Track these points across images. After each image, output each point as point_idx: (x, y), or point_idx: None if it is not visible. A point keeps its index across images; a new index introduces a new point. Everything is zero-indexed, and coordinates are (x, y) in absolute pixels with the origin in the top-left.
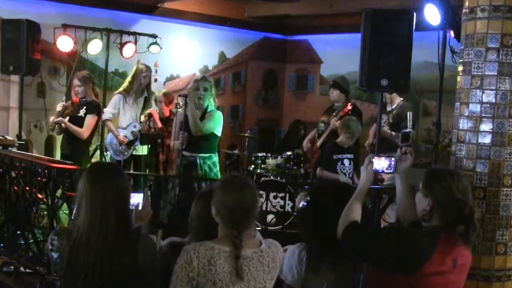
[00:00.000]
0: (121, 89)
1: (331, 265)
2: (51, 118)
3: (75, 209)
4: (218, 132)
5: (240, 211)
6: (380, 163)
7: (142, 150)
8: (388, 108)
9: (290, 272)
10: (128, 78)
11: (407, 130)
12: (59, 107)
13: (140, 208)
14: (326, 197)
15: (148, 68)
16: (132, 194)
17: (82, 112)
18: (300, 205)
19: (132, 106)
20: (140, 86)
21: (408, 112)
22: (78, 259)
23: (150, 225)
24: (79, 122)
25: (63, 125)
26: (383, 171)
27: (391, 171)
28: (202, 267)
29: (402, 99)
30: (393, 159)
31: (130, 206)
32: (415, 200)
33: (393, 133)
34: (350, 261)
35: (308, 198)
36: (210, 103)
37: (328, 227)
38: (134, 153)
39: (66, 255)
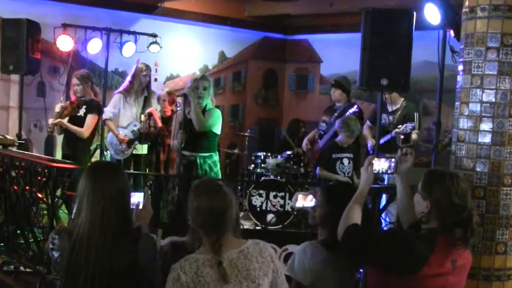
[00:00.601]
0: (121, 88)
1: (341, 263)
2: (50, 121)
3: (75, 208)
4: (217, 130)
5: (213, 215)
6: (380, 165)
7: (142, 149)
8: (390, 108)
9: (301, 268)
10: (128, 77)
11: (408, 131)
12: (57, 108)
13: (140, 207)
14: (341, 197)
15: (148, 67)
16: (132, 194)
17: (82, 112)
18: (297, 205)
19: (132, 105)
20: (140, 85)
21: (415, 113)
22: (78, 258)
23: (150, 225)
24: (79, 121)
25: (62, 126)
26: (383, 173)
27: (392, 171)
28: (191, 281)
29: (403, 99)
30: (393, 160)
31: (131, 206)
32: (414, 201)
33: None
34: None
35: (323, 198)
36: (208, 102)
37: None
38: (134, 152)
39: (67, 254)
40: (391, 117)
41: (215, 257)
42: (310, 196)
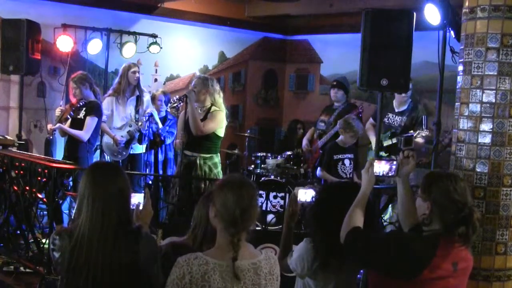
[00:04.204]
0: (111, 91)
1: (338, 264)
2: (49, 126)
3: (75, 208)
4: (220, 133)
5: (239, 210)
6: (381, 167)
7: (139, 149)
8: (396, 109)
9: (300, 264)
10: (117, 79)
11: (409, 133)
12: (57, 112)
13: (141, 207)
14: (334, 197)
15: (135, 65)
16: (132, 194)
17: (81, 114)
18: (299, 199)
19: (125, 107)
20: (128, 84)
21: (423, 116)
22: (79, 259)
23: (150, 225)
24: (81, 124)
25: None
26: (384, 175)
27: (393, 174)
28: (194, 283)
29: (410, 100)
30: (394, 162)
31: (131, 206)
32: (416, 205)
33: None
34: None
35: (316, 197)
36: (215, 101)
37: (336, 226)
38: (131, 152)
39: (68, 254)
40: (398, 118)
41: (232, 252)
42: (311, 191)
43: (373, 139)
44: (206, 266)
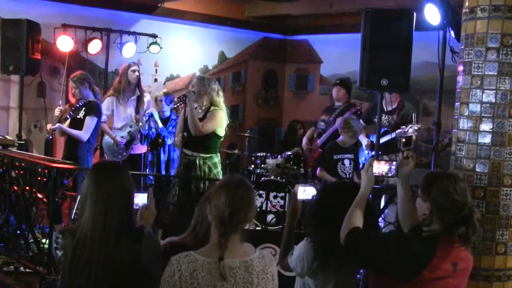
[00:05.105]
0: (111, 90)
1: (338, 264)
2: (49, 126)
3: (78, 208)
4: (220, 132)
5: (228, 211)
6: (380, 167)
7: (140, 149)
8: (386, 108)
9: (300, 264)
10: (117, 79)
11: (409, 134)
12: (57, 112)
13: (144, 208)
14: (334, 197)
15: (135, 64)
16: (136, 194)
17: (81, 114)
18: (300, 196)
19: (125, 107)
20: (128, 83)
21: (413, 114)
22: (81, 258)
23: (153, 225)
24: (80, 124)
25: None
26: (383, 175)
27: (392, 175)
28: (184, 281)
29: (400, 98)
30: (394, 163)
31: (135, 206)
32: (416, 205)
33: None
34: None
35: (315, 197)
36: (213, 100)
37: (336, 226)
38: (131, 152)
39: (70, 253)
40: (388, 117)
41: (218, 252)
42: (311, 188)
43: (363, 140)
44: (195, 264)
